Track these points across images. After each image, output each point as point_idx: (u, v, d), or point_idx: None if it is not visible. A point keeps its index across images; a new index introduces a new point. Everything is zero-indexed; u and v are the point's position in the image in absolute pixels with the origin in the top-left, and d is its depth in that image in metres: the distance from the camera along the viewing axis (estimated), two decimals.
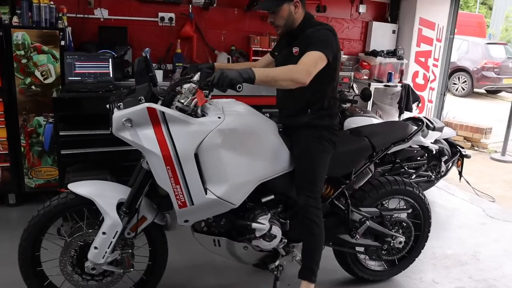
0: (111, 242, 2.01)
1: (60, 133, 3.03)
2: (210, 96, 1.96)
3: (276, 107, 2.39)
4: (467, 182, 4.46)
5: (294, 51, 2.11)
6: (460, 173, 4.30)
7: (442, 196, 4.42)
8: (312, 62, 1.94)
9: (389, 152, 2.50)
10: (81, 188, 2.04)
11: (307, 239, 2.23)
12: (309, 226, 2.18)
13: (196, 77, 1.99)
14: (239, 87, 1.74)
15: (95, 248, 2.01)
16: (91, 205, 2.03)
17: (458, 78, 11.21)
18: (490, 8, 21.41)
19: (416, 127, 2.58)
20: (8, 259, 2.37)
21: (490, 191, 4.64)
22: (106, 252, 2.02)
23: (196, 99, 1.89)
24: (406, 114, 4.73)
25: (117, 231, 2.01)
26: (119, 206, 2.03)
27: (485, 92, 11.66)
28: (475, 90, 11.33)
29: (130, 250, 2.15)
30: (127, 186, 2.11)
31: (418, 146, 3.53)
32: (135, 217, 2.07)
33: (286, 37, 2.22)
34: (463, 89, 11.13)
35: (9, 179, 3.35)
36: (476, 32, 13.79)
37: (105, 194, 2.05)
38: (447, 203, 4.25)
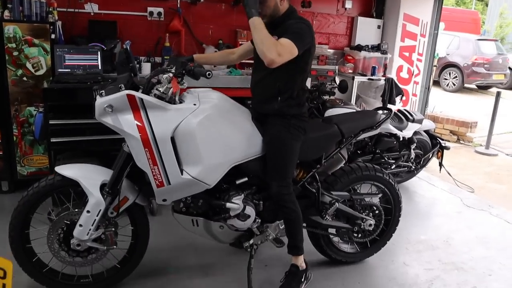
0: (95, 220, 2.16)
1: (50, 122, 3.16)
2: (185, 85, 2.12)
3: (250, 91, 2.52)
4: (448, 173, 4.62)
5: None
6: (440, 164, 4.45)
7: (423, 186, 4.58)
8: (287, 49, 2.04)
9: (358, 138, 2.65)
10: (67, 170, 2.19)
11: (286, 223, 2.40)
12: (285, 212, 2.35)
13: (174, 68, 2.12)
14: (209, 74, 1.89)
15: (80, 225, 2.16)
16: (76, 186, 2.17)
17: (449, 74, 11.35)
18: (487, 5, 21.53)
19: (385, 116, 2.73)
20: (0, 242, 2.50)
21: (470, 182, 4.79)
22: (90, 229, 2.17)
23: (172, 87, 2.04)
24: (390, 107, 4.87)
25: (100, 210, 2.15)
26: (103, 187, 2.18)
27: (475, 87, 11.83)
28: (465, 85, 11.48)
29: (113, 229, 2.30)
30: (110, 169, 2.26)
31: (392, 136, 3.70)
32: (117, 197, 2.21)
33: (268, 26, 2.30)
34: (454, 84, 11.28)
35: (2, 167, 3.49)
36: (471, 28, 13.93)
37: (89, 175, 2.20)
38: (427, 193, 4.40)
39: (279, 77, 2.11)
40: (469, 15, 15.07)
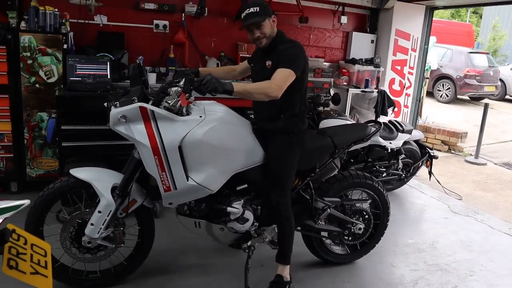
0: (105, 220, 2.35)
1: (62, 127, 3.36)
2: (193, 98, 2.31)
3: (252, 110, 2.72)
4: (437, 181, 4.82)
5: (267, 64, 2.43)
6: (429, 172, 4.67)
7: (413, 193, 4.79)
8: (283, 78, 2.28)
9: (350, 149, 2.86)
10: (81, 173, 2.38)
11: (280, 231, 2.59)
12: (281, 222, 2.55)
13: (182, 82, 2.30)
14: (214, 93, 2.10)
15: (92, 224, 2.34)
16: (89, 188, 2.36)
17: (442, 85, 11.61)
18: (481, 17, 21.88)
19: (375, 129, 2.94)
20: None
21: (459, 190, 5.01)
22: (100, 228, 2.35)
23: (180, 101, 2.24)
24: (382, 118, 5.10)
25: (111, 211, 2.34)
26: (113, 189, 2.37)
27: (468, 98, 12.10)
28: (458, 96, 11.74)
29: (121, 228, 2.49)
30: (120, 173, 2.45)
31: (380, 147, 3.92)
32: (126, 199, 2.40)
33: (261, 50, 2.54)
34: (447, 96, 11.53)
35: (12, 168, 3.68)
36: (465, 41, 14.19)
37: (101, 178, 2.38)
38: (416, 200, 4.62)
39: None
40: (463, 28, 15.36)
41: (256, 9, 2.37)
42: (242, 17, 2.42)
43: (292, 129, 2.51)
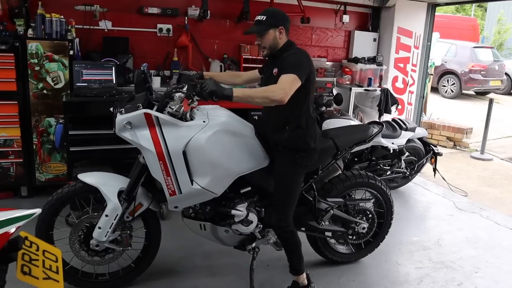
0: (112, 223, 2.40)
1: (70, 132, 3.43)
2: (196, 103, 2.36)
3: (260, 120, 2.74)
4: (442, 177, 4.83)
5: (274, 72, 2.39)
6: (434, 169, 4.68)
7: (418, 191, 4.81)
8: (288, 83, 2.20)
9: (351, 151, 2.88)
10: (88, 177, 2.44)
11: (286, 249, 2.60)
12: (284, 240, 2.58)
13: (186, 87, 2.33)
14: (215, 98, 2.13)
15: (99, 228, 2.40)
16: (96, 192, 2.42)
17: (447, 81, 11.57)
18: (486, 11, 21.72)
19: (377, 130, 2.97)
20: None
21: (464, 186, 5.00)
22: (108, 231, 2.41)
23: (183, 106, 2.29)
24: (386, 116, 5.11)
25: (117, 214, 2.40)
26: (120, 193, 2.42)
27: (473, 93, 12.04)
28: (464, 91, 11.70)
29: (128, 232, 2.54)
30: (127, 177, 2.51)
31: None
32: (132, 203, 2.45)
33: (270, 60, 2.52)
34: (452, 91, 11.49)
35: (22, 173, 3.75)
36: (470, 35, 14.09)
37: (108, 183, 2.44)
38: (421, 197, 4.63)
39: (285, 107, 2.23)
40: (468, 22, 15.24)
41: (263, 18, 2.36)
42: None
43: (297, 145, 2.44)
